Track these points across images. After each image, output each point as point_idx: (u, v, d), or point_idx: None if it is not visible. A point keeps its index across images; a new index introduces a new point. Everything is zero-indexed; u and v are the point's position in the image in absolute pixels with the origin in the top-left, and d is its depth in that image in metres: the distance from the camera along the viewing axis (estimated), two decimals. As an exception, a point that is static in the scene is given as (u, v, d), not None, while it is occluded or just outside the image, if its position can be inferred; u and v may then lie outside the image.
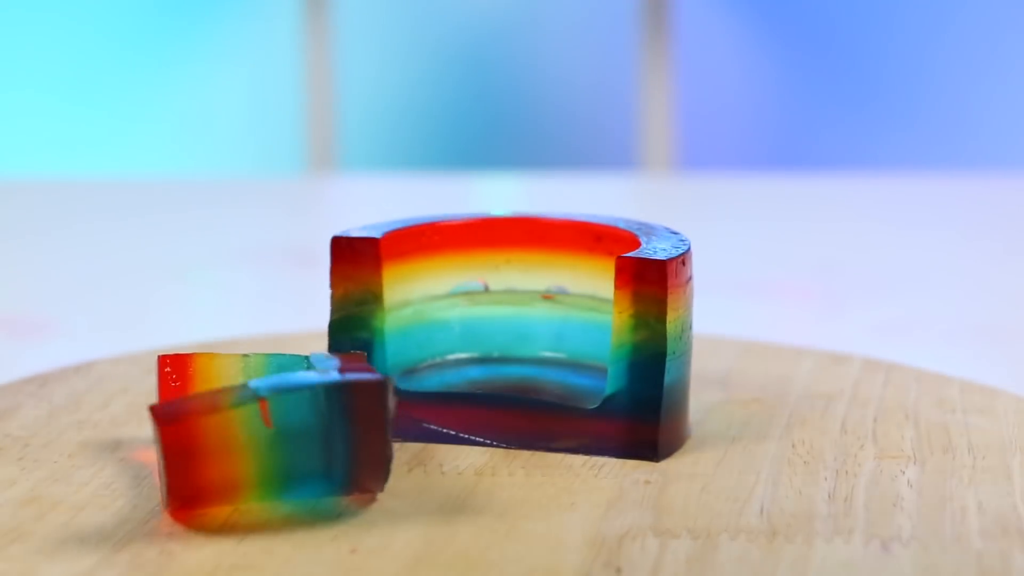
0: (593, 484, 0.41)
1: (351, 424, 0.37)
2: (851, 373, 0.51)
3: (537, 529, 0.38)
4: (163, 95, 2.22)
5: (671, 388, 0.43)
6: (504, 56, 2.26)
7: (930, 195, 1.15)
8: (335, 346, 0.45)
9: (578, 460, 0.43)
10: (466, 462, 0.42)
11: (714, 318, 0.59)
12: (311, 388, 0.37)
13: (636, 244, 0.44)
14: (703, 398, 0.48)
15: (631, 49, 2.17)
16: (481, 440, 0.44)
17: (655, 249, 0.43)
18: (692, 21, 2.21)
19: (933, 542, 0.37)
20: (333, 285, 0.45)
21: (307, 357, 0.42)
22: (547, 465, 0.42)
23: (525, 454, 0.43)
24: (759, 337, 0.56)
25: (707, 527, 0.38)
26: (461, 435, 0.44)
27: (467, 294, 0.48)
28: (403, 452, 0.43)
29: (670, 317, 0.42)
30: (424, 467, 0.42)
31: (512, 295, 0.48)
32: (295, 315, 0.81)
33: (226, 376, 0.41)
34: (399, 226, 0.46)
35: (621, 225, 0.46)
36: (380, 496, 0.39)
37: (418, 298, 0.47)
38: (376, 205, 1.24)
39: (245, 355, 0.42)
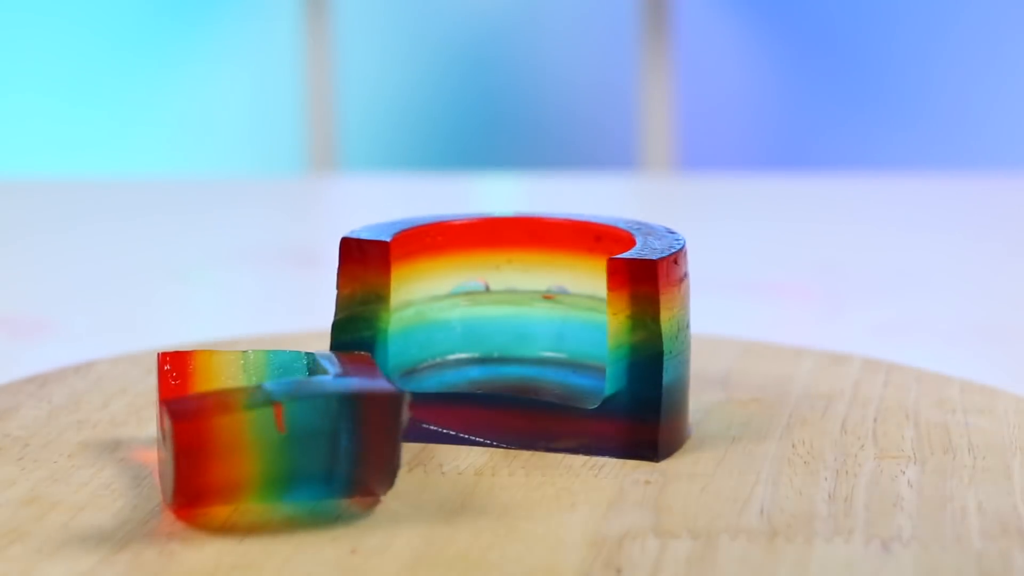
0: (593, 484, 0.41)
1: (362, 433, 0.37)
2: (851, 373, 0.51)
3: (537, 529, 0.38)
4: (163, 95, 2.22)
5: (670, 388, 0.43)
6: (504, 56, 2.26)
7: (930, 195, 1.15)
8: (337, 346, 0.45)
9: (578, 460, 0.43)
10: (466, 462, 0.42)
11: (714, 318, 0.59)
12: (326, 397, 0.37)
13: (635, 244, 0.44)
14: (703, 398, 0.48)
15: (631, 49, 2.17)
16: (481, 440, 0.44)
17: (647, 249, 0.43)
18: (692, 21, 2.21)
19: (933, 542, 0.37)
20: (340, 285, 0.45)
21: (308, 355, 0.42)
22: (547, 465, 0.42)
23: (525, 454, 0.43)
24: (759, 337, 0.56)
25: (707, 527, 0.38)
26: (461, 435, 0.44)
27: (468, 294, 0.48)
28: (403, 452, 0.43)
29: (665, 316, 0.42)
30: (424, 467, 0.42)
31: (513, 295, 0.48)
32: (295, 315, 0.81)
33: (226, 373, 0.41)
34: (404, 227, 0.46)
35: (621, 225, 0.46)
36: (380, 497, 0.39)
37: (420, 298, 0.47)
38: (376, 205, 1.24)
39: (244, 352, 0.42)
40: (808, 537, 0.37)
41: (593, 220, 0.47)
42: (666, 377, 0.42)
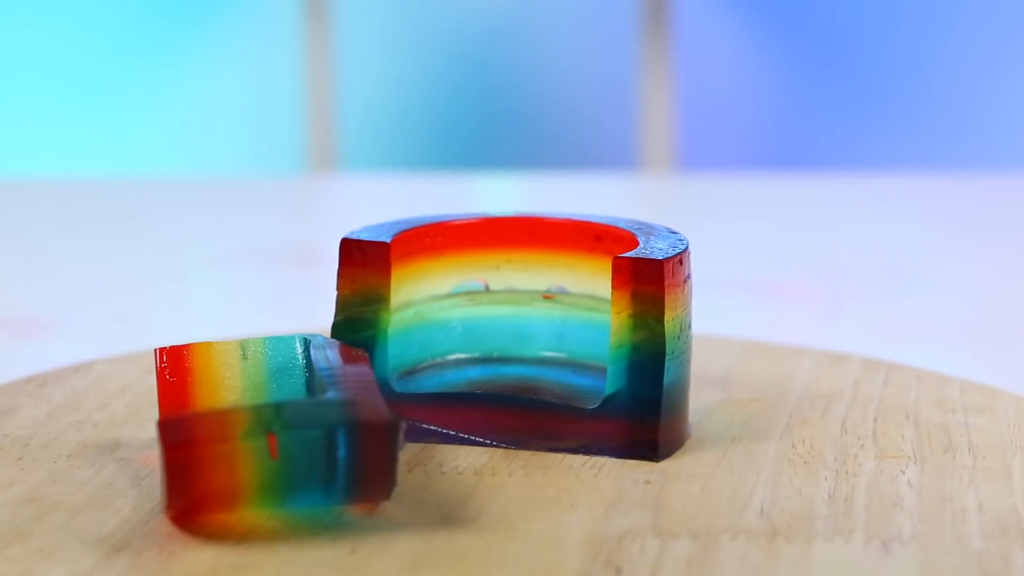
0: (593, 484, 0.41)
1: (358, 458, 0.37)
2: (851, 373, 0.51)
3: (537, 529, 0.38)
4: (163, 95, 2.22)
5: (671, 388, 0.43)
6: (504, 56, 2.26)
7: (930, 195, 1.15)
8: (336, 346, 0.45)
9: (578, 460, 0.43)
10: (466, 462, 0.42)
11: (714, 318, 0.59)
12: (320, 426, 0.37)
13: (635, 244, 0.44)
14: (703, 398, 0.48)
15: (631, 49, 2.17)
16: (481, 440, 0.44)
17: (652, 249, 0.43)
18: (692, 21, 2.21)
19: (933, 542, 0.37)
20: (340, 286, 0.45)
21: (305, 351, 0.41)
22: (547, 465, 0.42)
23: (525, 454, 0.43)
24: (759, 337, 0.56)
25: (707, 527, 0.38)
26: (461, 435, 0.44)
27: (468, 294, 0.48)
28: (403, 452, 0.43)
29: (668, 316, 0.42)
30: (424, 467, 0.42)
31: (513, 295, 0.48)
32: (295, 315, 0.81)
33: (223, 372, 0.41)
34: (404, 227, 0.46)
35: (621, 225, 0.46)
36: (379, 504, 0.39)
37: (420, 299, 0.47)
38: (376, 205, 1.24)
39: (242, 344, 0.42)
40: (808, 537, 0.37)
41: (593, 220, 0.47)
42: (667, 377, 0.42)
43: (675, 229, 0.46)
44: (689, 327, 0.44)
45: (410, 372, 0.47)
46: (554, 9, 2.24)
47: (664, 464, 0.42)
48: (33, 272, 0.93)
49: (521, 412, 0.44)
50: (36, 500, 0.39)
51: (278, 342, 0.42)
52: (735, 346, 0.54)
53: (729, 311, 0.75)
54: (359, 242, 0.44)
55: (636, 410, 0.43)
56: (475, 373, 0.47)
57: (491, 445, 0.44)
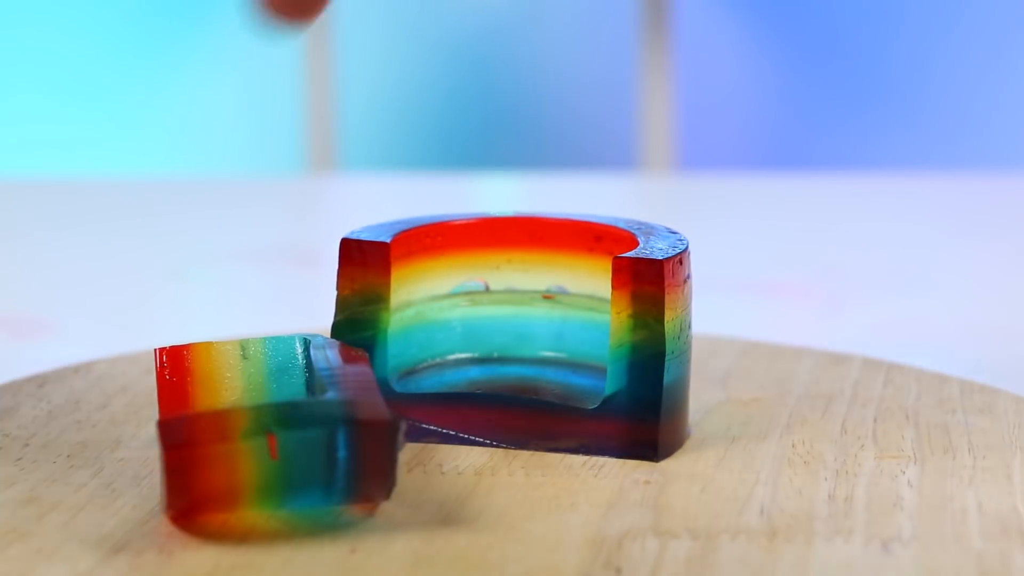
0: (593, 484, 0.41)
1: (358, 457, 0.37)
2: (851, 373, 0.51)
3: (537, 529, 0.38)
4: (163, 95, 2.22)
5: (671, 388, 0.43)
6: (504, 56, 2.26)
7: (931, 195, 1.15)
8: (336, 346, 0.45)
9: (578, 460, 0.43)
10: (466, 462, 0.42)
11: (714, 318, 0.59)
12: (320, 427, 0.37)
13: (635, 244, 0.44)
14: (703, 398, 0.48)
15: (631, 49, 2.17)
16: (481, 440, 0.44)
17: (652, 249, 0.43)
18: (692, 21, 2.21)
19: (933, 542, 0.37)
20: (340, 287, 0.45)
21: (305, 351, 0.41)
22: (547, 465, 0.42)
23: (525, 454, 0.43)
24: (759, 337, 0.56)
25: (707, 527, 0.38)
26: (461, 435, 0.44)
27: (468, 294, 0.48)
28: (403, 452, 0.43)
29: (668, 316, 0.42)
30: (424, 467, 0.42)
31: (512, 295, 0.48)
32: (295, 315, 0.81)
33: (225, 367, 0.41)
34: (404, 227, 0.46)
35: (621, 225, 0.46)
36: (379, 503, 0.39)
37: (420, 299, 0.47)
38: (376, 205, 1.24)
39: (242, 344, 0.42)
40: (808, 537, 0.37)
41: (593, 220, 0.47)
42: (667, 377, 0.42)
43: (675, 229, 0.46)
44: (689, 327, 0.44)
45: (410, 372, 0.47)
46: (554, 9, 2.24)
47: (664, 464, 0.42)
48: (33, 272, 0.93)
49: (521, 412, 0.44)
50: (36, 500, 0.39)
51: (278, 342, 0.42)
52: (735, 346, 0.54)
53: (729, 311, 0.75)
54: (359, 242, 0.44)
55: (636, 410, 0.43)
56: (475, 373, 0.47)
57: (491, 445, 0.44)
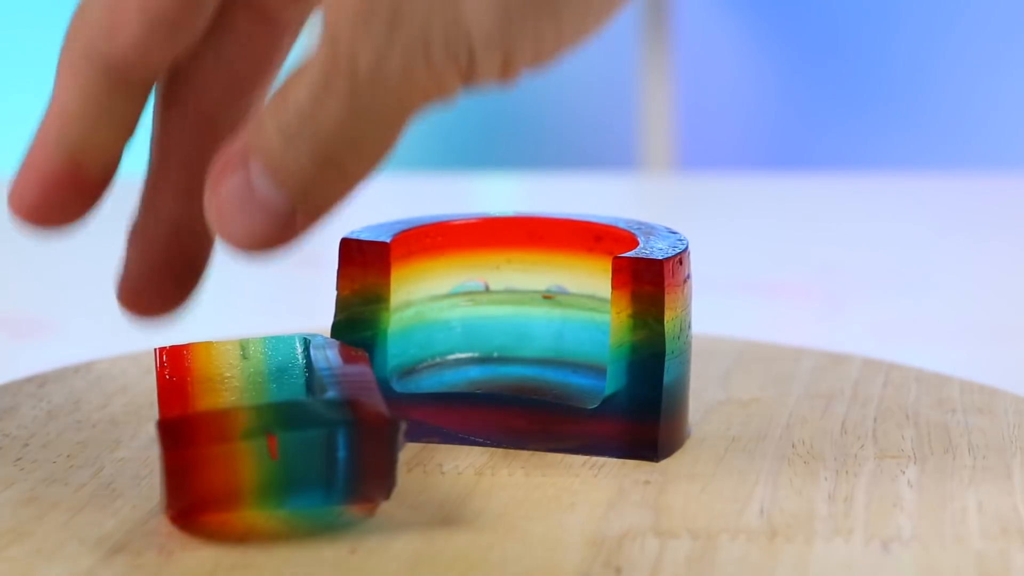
0: (593, 484, 0.41)
1: (358, 458, 0.37)
2: (851, 373, 0.51)
3: (537, 529, 0.38)
4: (163, 95, 2.21)
5: (671, 388, 0.43)
6: (504, 56, 2.25)
7: (930, 195, 1.15)
8: (337, 346, 0.45)
9: (578, 460, 0.43)
10: (466, 462, 0.42)
11: (714, 318, 0.59)
12: (320, 427, 0.37)
13: (635, 244, 0.44)
14: (703, 398, 0.48)
15: (631, 49, 2.17)
16: (481, 440, 0.44)
17: (652, 249, 0.43)
18: (692, 21, 2.21)
19: (933, 542, 0.37)
20: (340, 287, 0.44)
21: (305, 351, 0.41)
22: (547, 465, 0.42)
23: (525, 454, 0.43)
24: (759, 337, 0.56)
25: (707, 527, 0.38)
26: (461, 435, 0.44)
27: (467, 294, 0.48)
28: (403, 452, 0.43)
29: (668, 316, 0.42)
30: (424, 467, 0.42)
31: (512, 295, 0.48)
32: (295, 315, 0.81)
33: (225, 367, 0.41)
34: (404, 227, 0.46)
35: (621, 225, 0.46)
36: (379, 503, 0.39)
37: (420, 299, 0.47)
38: (376, 205, 1.24)
39: (243, 341, 0.42)
40: (808, 537, 0.37)
41: (593, 220, 0.47)
42: (667, 377, 0.42)
43: (675, 229, 0.45)
44: (689, 327, 0.44)
45: (410, 372, 0.47)
46: (554, 9, 2.24)
47: (664, 464, 0.42)
48: (33, 272, 0.93)
49: (521, 412, 0.44)
50: (35, 500, 0.39)
51: (278, 342, 0.42)
52: (735, 346, 0.54)
53: (729, 311, 0.75)
54: (359, 242, 0.44)
55: (636, 410, 0.42)
56: (475, 373, 0.47)
57: (491, 445, 0.44)
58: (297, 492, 0.37)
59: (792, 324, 0.74)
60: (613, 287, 0.42)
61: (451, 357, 0.48)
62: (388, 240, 0.45)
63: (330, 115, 0.35)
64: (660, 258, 0.42)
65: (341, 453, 0.37)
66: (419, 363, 0.47)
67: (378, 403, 0.38)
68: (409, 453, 0.43)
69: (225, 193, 0.36)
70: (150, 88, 0.39)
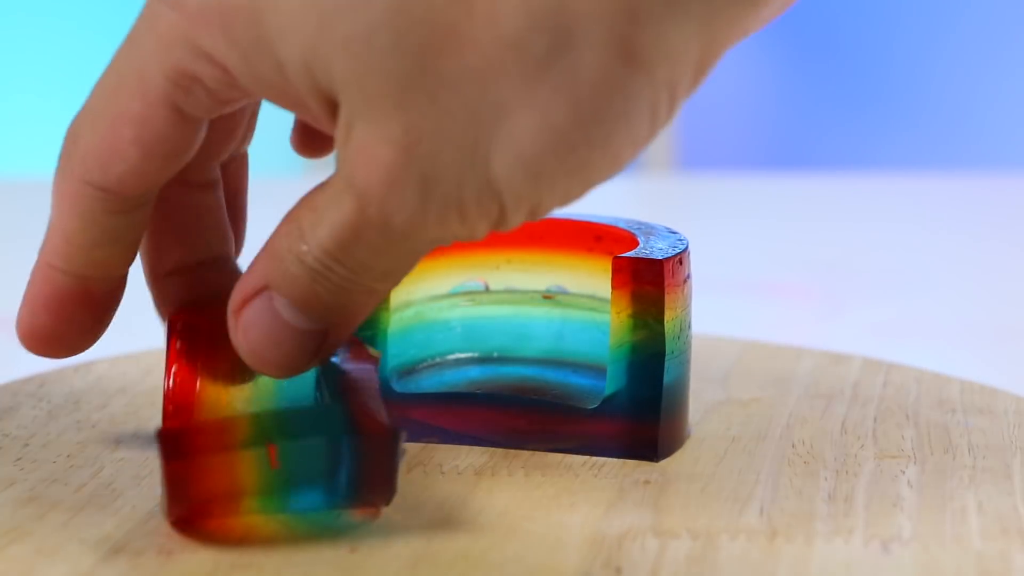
0: (593, 484, 0.41)
1: (359, 464, 0.37)
2: (851, 373, 0.51)
3: (537, 529, 0.38)
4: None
5: (670, 388, 0.43)
6: (504, 56, 2.25)
7: (930, 195, 1.15)
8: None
9: (578, 460, 0.43)
10: (466, 462, 0.42)
11: (714, 318, 0.59)
12: (320, 437, 0.36)
13: (635, 244, 0.44)
14: (703, 398, 0.48)
15: (631, 49, 2.17)
16: (481, 440, 0.44)
17: (652, 249, 0.43)
18: (692, 21, 2.20)
19: (933, 542, 0.37)
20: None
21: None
22: (547, 465, 0.42)
23: (525, 454, 0.43)
24: (759, 337, 0.56)
25: (707, 527, 0.38)
26: (461, 435, 0.44)
27: (467, 294, 0.48)
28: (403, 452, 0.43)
29: (668, 316, 0.42)
30: (424, 467, 0.42)
31: (512, 295, 0.48)
32: (295, 315, 0.81)
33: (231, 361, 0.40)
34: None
35: (621, 225, 0.46)
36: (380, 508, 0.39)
37: (420, 298, 0.47)
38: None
39: None
40: (808, 537, 0.37)
41: (593, 220, 0.47)
42: (667, 377, 0.42)
43: (675, 229, 0.46)
44: (689, 327, 0.44)
45: (410, 372, 0.47)
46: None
47: (664, 464, 0.42)
48: (33, 272, 0.93)
49: (521, 412, 0.44)
50: (35, 500, 0.39)
51: None
52: (735, 346, 0.54)
53: (729, 311, 0.75)
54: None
55: (636, 410, 0.43)
56: (475, 373, 0.47)
57: (491, 445, 0.44)
58: (298, 497, 0.37)
59: (792, 324, 0.74)
60: (613, 287, 0.42)
61: (451, 357, 0.48)
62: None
63: (360, 259, 0.35)
64: (660, 258, 0.42)
65: (342, 461, 0.37)
66: (419, 363, 0.47)
67: (380, 411, 0.38)
68: (409, 453, 0.43)
69: (251, 327, 0.36)
70: (149, 205, 0.38)
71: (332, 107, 0.34)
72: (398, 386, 0.45)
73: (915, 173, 1.38)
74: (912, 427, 0.45)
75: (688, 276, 0.44)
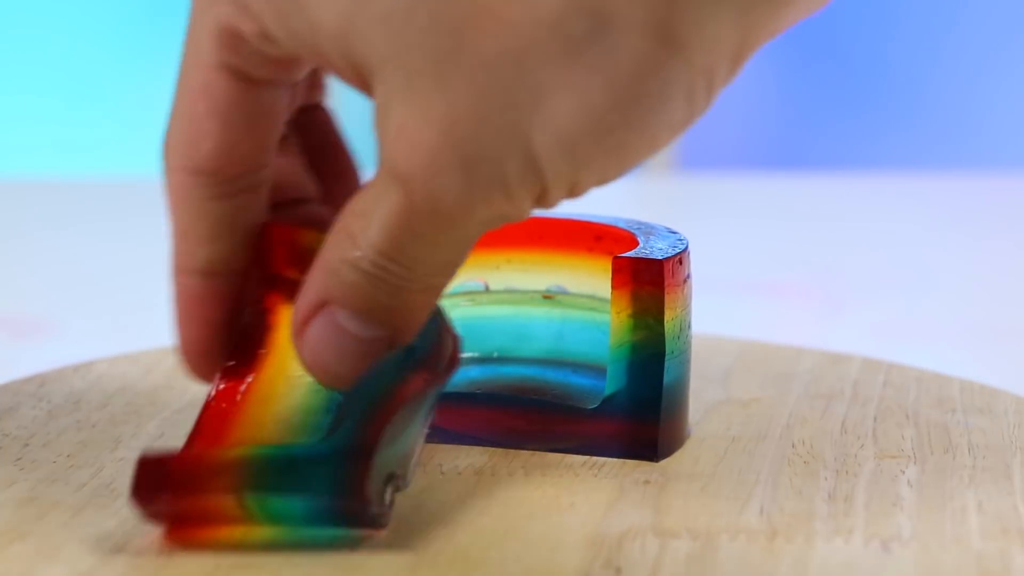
0: (593, 484, 0.41)
1: (344, 517, 0.36)
2: (851, 373, 0.51)
3: (537, 529, 0.38)
4: (163, 96, 2.21)
5: (670, 388, 0.43)
6: (504, 56, 2.25)
7: (930, 195, 1.15)
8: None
9: (578, 460, 0.43)
10: (466, 462, 0.42)
11: (714, 318, 0.59)
12: (299, 494, 0.35)
13: (635, 244, 0.44)
14: (703, 398, 0.48)
15: (631, 49, 2.17)
16: (481, 440, 0.44)
17: (652, 249, 0.43)
18: (692, 21, 2.19)
19: (933, 542, 0.37)
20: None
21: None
22: (547, 465, 0.42)
23: (525, 454, 0.43)
24: (759, 337, 0.56)
25: (707, 527, 0.38)
26: (461, 435, 0.44)
27: (467, 294, 0.48)
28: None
29: (668, 316, 0.42)
30: (424, 467, 0.42)
31: (512, 295, 0.48)
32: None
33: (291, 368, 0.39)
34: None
35: (621, 225, 0.46)
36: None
37: (418, 298, 0.47)
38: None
39: None
40: (808, 537, 0.37)
41: (593, 220, 0.47)
42: (667, 377, 0.42)
43: (675, 229, 0.46)
44: (689, 327, 0.44)
45: (410, 372, 0.47)
46: (554, 9, 2.24)
47: (664, 464, 0.42)
48: (33, 272, 0.93)
49: (521, 412, 0.44)
50: (35, 500, 0.39)
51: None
52: (735, 346, 0.54)
53: (729, 311, 0.75)
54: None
55: (636, 410, 0.43)
56: (475, 373, 0.47)
57: (491, 445, 0.44)
58: (285, 525, 0.36)
59: (792, 324, 0.74)
60: (613, 287, 0.42)
61: (451, 357, 0.48)
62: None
63: (414, 254, 0.34)
64: (660, 258, 0.42)
65: (324, 514, 0.36)
66: (419, 363, 0.47)
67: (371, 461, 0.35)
68: (409, 453, 0.43)
69: (317, 344, 0.36)
70: (257, 190, 0.38)
71: (362, 78, 0.34)
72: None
73: (915, 173, 1.38)
74: (912, 427, 0.45)
75: (688, 276, 0.44)
